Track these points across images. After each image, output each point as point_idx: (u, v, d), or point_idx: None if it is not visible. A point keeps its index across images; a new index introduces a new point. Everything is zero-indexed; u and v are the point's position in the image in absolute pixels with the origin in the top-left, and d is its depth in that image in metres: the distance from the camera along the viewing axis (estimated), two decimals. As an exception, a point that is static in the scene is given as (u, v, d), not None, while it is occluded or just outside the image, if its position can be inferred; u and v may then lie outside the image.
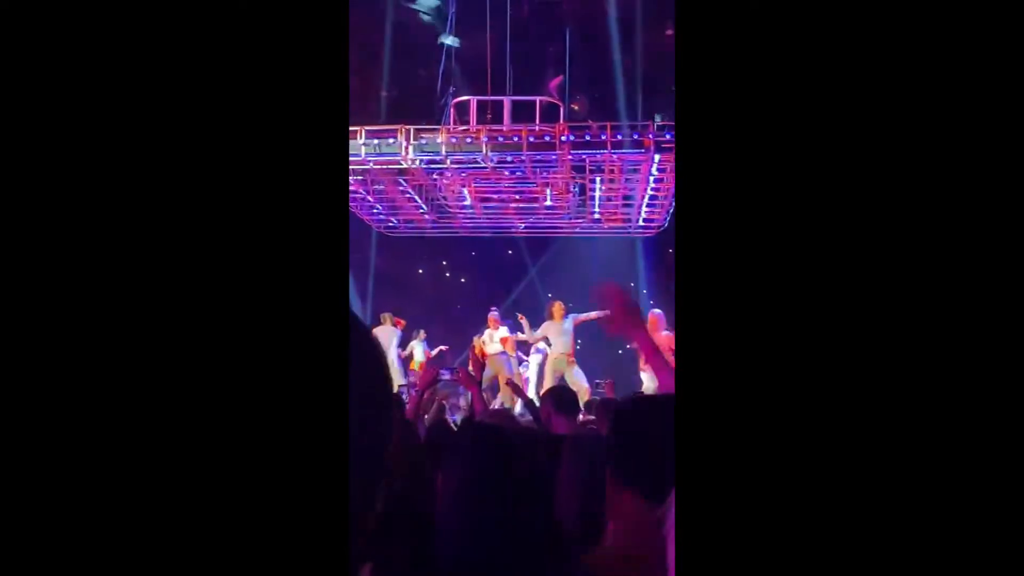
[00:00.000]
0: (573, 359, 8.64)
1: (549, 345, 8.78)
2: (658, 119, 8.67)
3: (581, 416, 5.70)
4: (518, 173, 9.76)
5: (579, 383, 8.21)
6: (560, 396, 3.90)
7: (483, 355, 8.93)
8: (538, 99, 9.46)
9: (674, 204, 9.94)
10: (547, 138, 9.03)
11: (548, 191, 10.32)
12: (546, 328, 8.81)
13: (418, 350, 10.27)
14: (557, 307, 8.86)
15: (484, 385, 8.22)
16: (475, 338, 9.39)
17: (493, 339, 9.24)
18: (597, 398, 6.49)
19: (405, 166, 9.25)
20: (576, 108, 10.39)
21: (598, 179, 9.94)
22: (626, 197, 10.43)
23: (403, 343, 10.08)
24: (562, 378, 8.15)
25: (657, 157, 8.79)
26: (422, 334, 10.44)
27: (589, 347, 10.08)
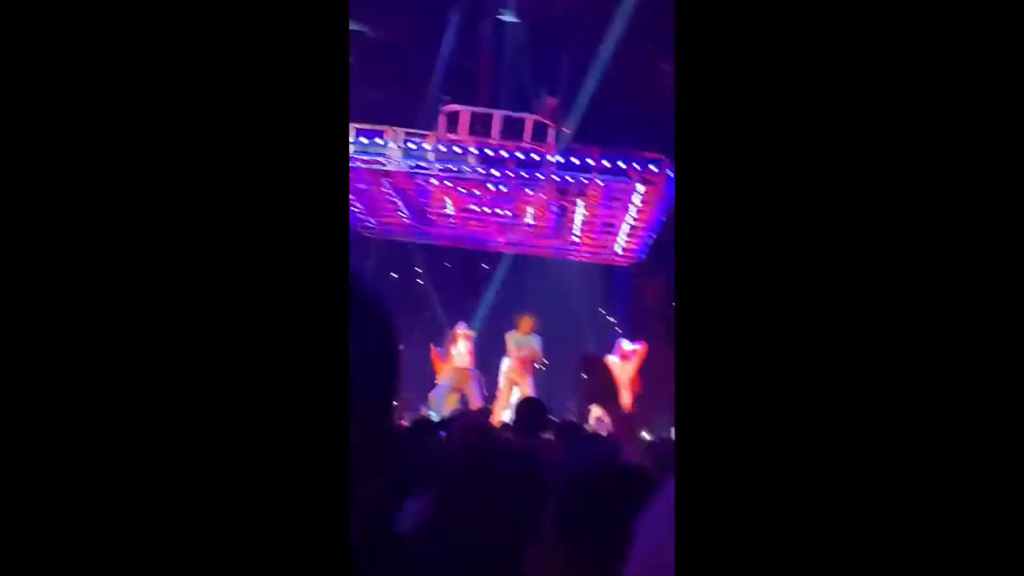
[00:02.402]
0: (525, 370, 8.37)
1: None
2: None
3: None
4: (502, 188, 9.79)
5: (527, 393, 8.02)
6: (530, 409, 3.76)
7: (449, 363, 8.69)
8: (529, 117, 9.52)
9: (649, 243, 10.04)
10: (534, 156, 9.09)
11: (529, 209, 10.37)
12: (510, 338, 8.59)
13: None
14: (526, 320, 8.65)
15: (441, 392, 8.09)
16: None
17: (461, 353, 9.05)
18: (557, 420, 6.47)
19: (391, 168, 9.24)
20: (566, 131, 10.47)
21: (580, 202, 10.01)
22: (606, 224, 10.50)
23: None
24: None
25: (641, 188, 8.89)
26: None
27: (554, 370, 10.05)
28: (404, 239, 11.59)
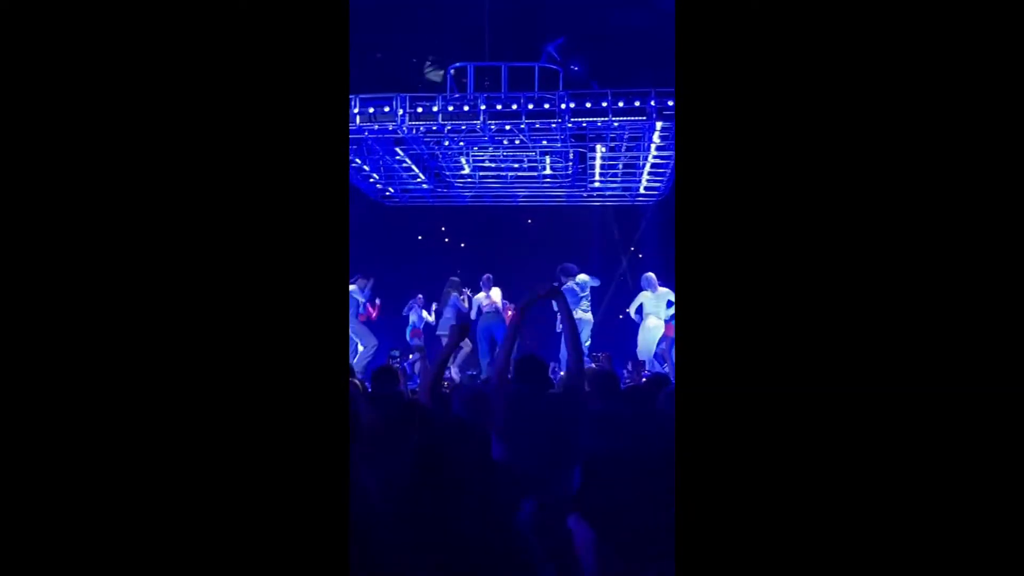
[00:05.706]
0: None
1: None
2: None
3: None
4: (517, 141, 9.60)
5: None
6: (526, 365, 3.26)
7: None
8: (537, 64, 9.23)
9: (674, 177, 9.81)
10: (546, 105, 8.84)
11: (547, 159, 10.18)
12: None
13: (414, 315, 10.12)
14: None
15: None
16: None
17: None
18: (594, 366, 6.44)
19: (401, 135, 9.09)
20: (576, 69, 10.16)
21: (598, 147, 9.78)
22: (627, 165, 10.27)
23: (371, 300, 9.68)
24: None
25: (659, 125, 8.63)
26: (420, 298, 10.28)
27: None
28: (425, 203, 11.49)
